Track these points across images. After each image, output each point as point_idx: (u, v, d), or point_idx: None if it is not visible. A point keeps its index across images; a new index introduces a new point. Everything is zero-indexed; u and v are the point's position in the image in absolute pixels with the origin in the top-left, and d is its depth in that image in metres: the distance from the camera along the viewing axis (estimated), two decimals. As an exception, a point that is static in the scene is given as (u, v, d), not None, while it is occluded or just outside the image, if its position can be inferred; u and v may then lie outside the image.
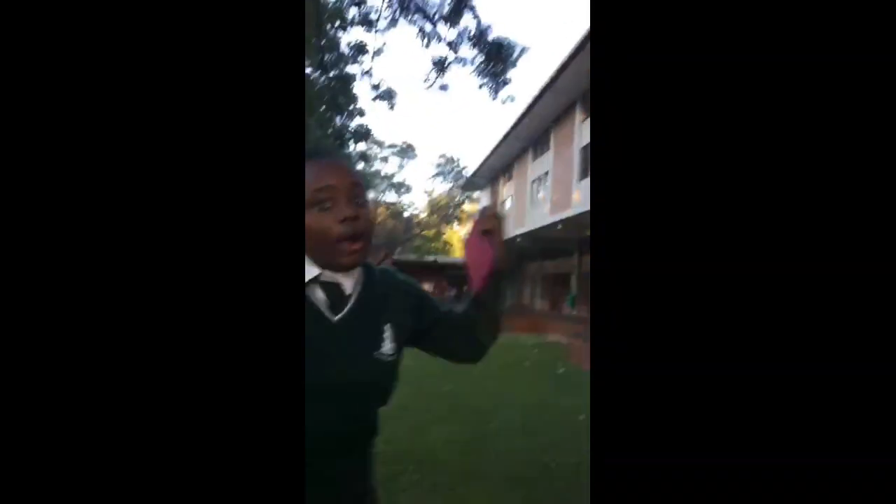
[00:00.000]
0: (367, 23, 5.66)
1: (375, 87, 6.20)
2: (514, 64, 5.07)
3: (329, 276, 0.80)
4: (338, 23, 6.31)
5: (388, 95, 6.17)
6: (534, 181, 17.12)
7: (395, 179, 28.79)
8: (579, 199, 10.80)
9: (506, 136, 17.64)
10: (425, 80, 5.39)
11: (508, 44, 4.97)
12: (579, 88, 11.01)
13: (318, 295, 0.80)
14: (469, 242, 0.87)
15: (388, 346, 0.81)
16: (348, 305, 0.80)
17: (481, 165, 22.59)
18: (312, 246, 0.77)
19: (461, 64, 5.28)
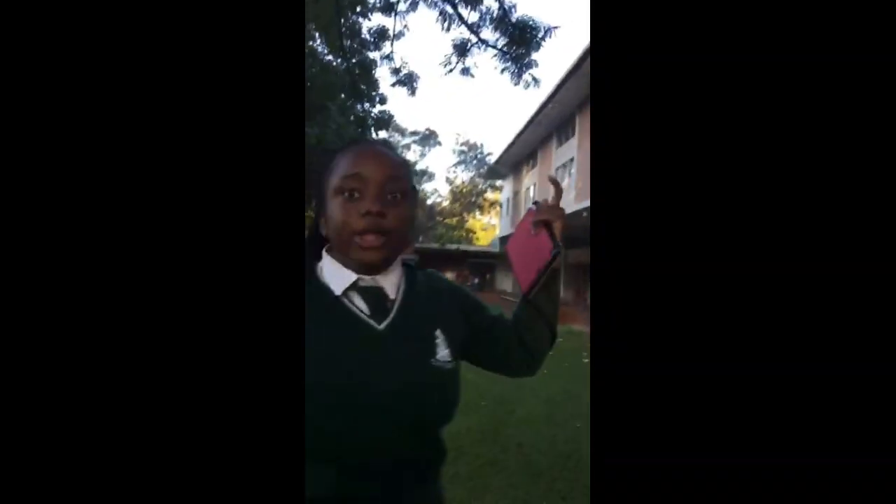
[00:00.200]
0: (388, 7, 5.61)
1: (396, 71, 6.16)
2: (537, 46, 4.97)
3: (368, 280, 0.74)
4: (359, 8, 6.28)
5: (408, 80, 6.13)
6: (558, 168, 16.93)
7: (418, 167, 28.81)
8: (605, 186, 10.60)
9: (529, 123, 17.44)
10: (446, 65, 5.33)
11: (532, 25, 4.86)
12: (605, 72, 10.80)
13: (358, 302, 0.73)
14: (517, 236, 0.80)
15: (443, 352, 0.73)
16: (393, 311, 0.74)
17: (504, 152, 22.41)
18: (334, 236, 0.72)
19: (483, 47, 5.20)
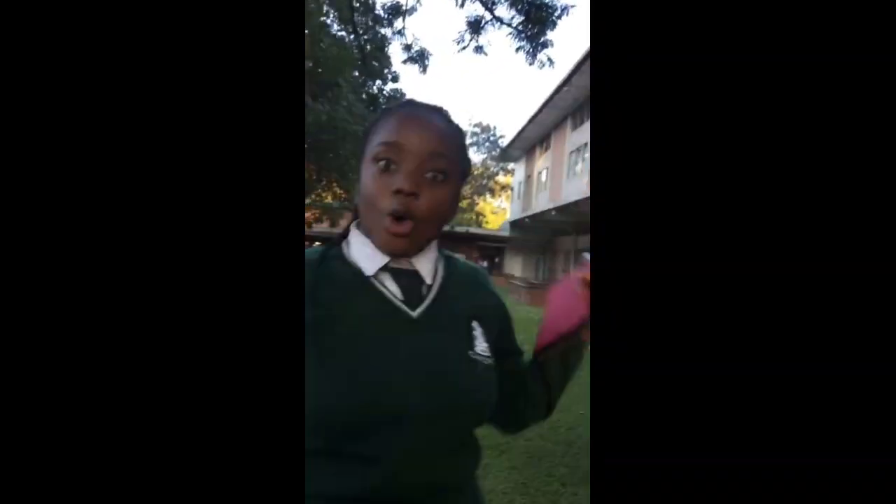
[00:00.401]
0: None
1: (407, 47, 6.08)
2: (553, 25, 4.88)
3: (403, 262, 0.67)
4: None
5: (420, 57, 6.06)
6: (572, 152, 16.81)
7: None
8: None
9: (545, 105, 17.28)
10: (459, 41, 5.26)
11: (548, 3, 4.78)
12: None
13: (390, 284, 0.66)
14: (564, 285, 0.73)
15: (482, 346, 0.67)
16: (429, 297, 0.67)
17: (518, 135, 22.24)
18: (363, 209, 0.66)
19: (497, 25, 5.12)
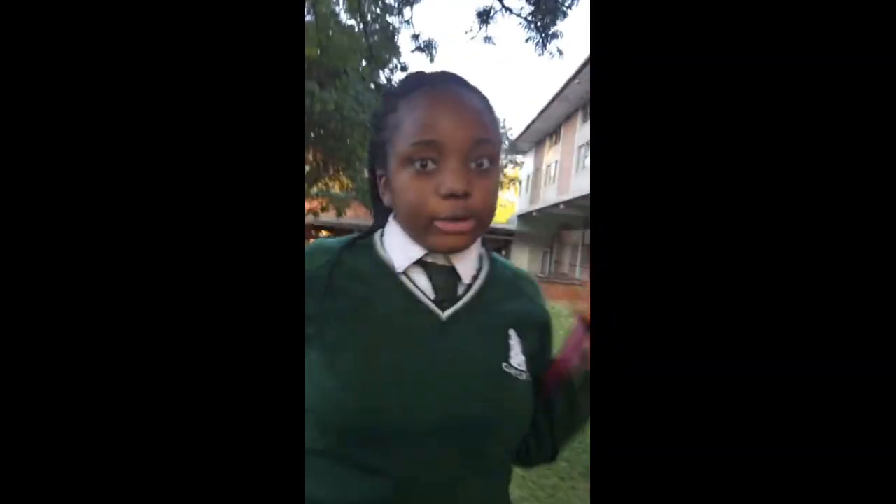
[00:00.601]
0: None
1: (415, 37, 6.05)
2: (563, 15, 4.83)
3: (439, 258, 0.61)
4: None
5: (427, 47, 6.03)
6: (581, 146, 16.74)
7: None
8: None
9: (555, 97, 17.19)
10: (468, 31, 5.22)
11: (560, -9, 4.73)
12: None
13: (422, 281, 0.61)
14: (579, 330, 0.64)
15: (518, 359, 0.60)
16: (465, 298, 0.61)
17: (527, 128, 22.15)
18: (404, 215, 0.59)
19: (507, 14, 5.07)
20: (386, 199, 0.63)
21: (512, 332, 0.62)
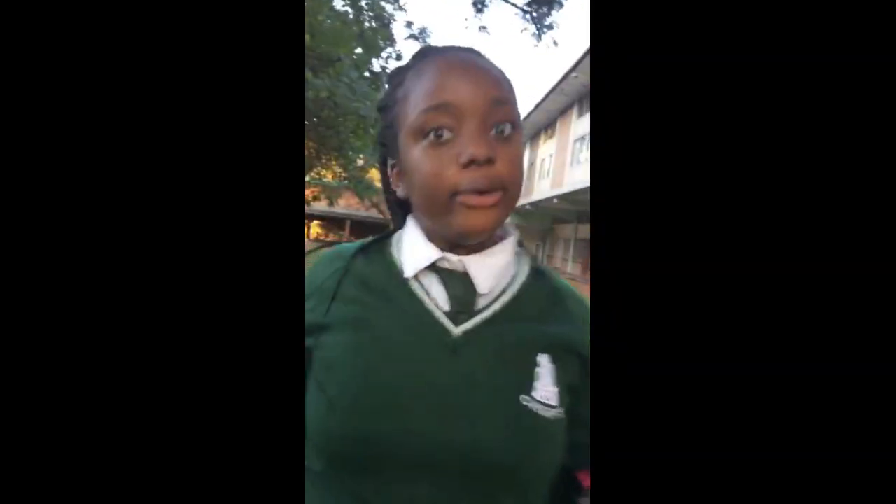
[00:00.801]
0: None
1: (409, 24, 6.01)
2: (559, 5, 4.81)
3: (455, 262, 0.53)
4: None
5: (421, 34, 6.00)
6: (577, 140, 16.74)
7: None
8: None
9: (552, 90, 17.15)
10: (464, 20, 5.19)
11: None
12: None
13: (436, 289, 0.53)
14: None
15: (545, 391, 0.51)
16: (485, 312, 0.53)
17: (523, 120, 22.07)
18: (420, 197, 0.52)
19: (502, 3, 5.04)
20: (400, 191, 0.57)
21: (543, 359, 0.52)
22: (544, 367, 0.52)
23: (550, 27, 4.91)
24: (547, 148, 20.46)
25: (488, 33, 5.31)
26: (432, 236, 0.54)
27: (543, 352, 0.53)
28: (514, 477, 0.48)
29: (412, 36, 6.06)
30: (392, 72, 0.58)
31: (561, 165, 18.00)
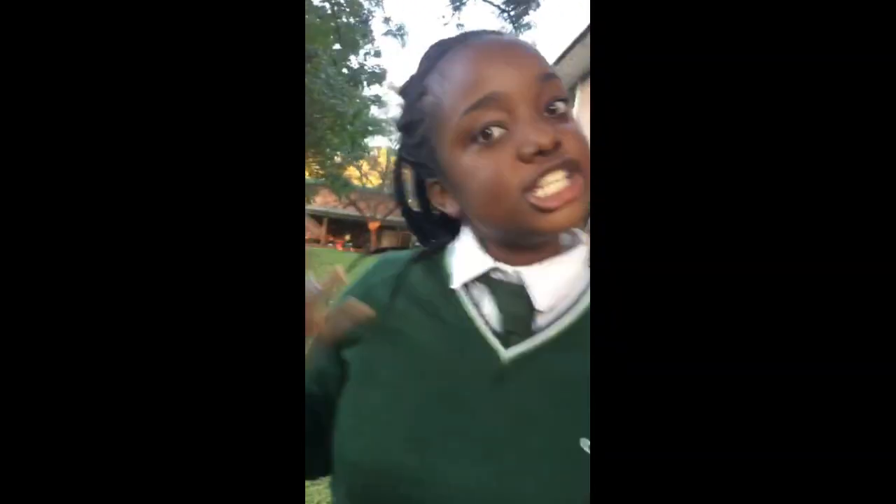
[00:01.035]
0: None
1: (387, 20, 5.99)
2: (537, 5, 4.82)
3: (510, 274, 0.47)
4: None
5: (399, 32, 5.99)
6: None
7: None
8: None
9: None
10: (441, 17, 5.19)
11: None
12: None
13: (488, 306, 0.47)
14: None
15: None
16: (542, 334, 0.46)
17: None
18: (482, 209, 0.46)
19: (479, 1, 5.04)
20: (450, 209, 0.50)
21: None
22: None
23: (528, 27, 4.93)
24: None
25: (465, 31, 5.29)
26: (488, 244, 0.48)
27: None
28: None
29: (390, 32, 6.03)
30: (406, 83, 0.53)
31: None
